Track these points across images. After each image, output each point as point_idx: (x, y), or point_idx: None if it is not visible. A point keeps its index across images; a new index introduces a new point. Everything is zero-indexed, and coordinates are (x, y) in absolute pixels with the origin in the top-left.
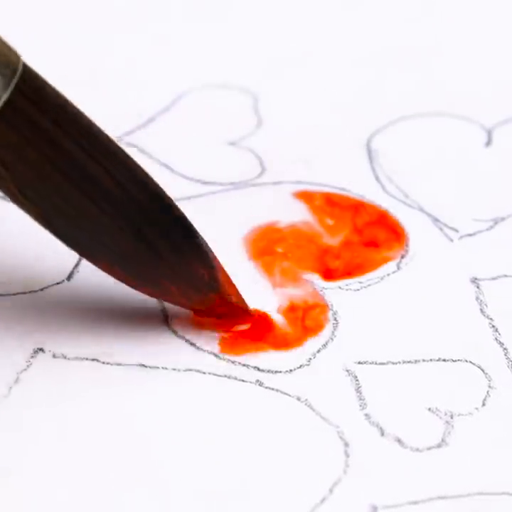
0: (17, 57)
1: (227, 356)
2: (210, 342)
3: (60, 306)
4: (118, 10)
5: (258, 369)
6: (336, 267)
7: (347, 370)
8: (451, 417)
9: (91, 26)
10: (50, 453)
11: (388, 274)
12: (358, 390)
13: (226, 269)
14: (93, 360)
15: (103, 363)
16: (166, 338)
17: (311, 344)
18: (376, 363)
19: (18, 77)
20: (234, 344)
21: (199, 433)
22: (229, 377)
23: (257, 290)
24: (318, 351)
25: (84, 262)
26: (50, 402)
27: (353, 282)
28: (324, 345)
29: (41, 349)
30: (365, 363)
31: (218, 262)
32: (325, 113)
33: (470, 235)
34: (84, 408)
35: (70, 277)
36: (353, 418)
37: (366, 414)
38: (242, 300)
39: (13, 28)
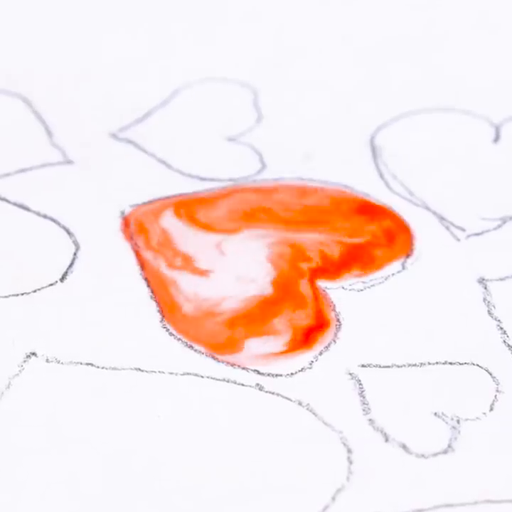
0: None
1: (226, 358)
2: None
3: (53, 309)
4: (116, 3)
5: (258, 372)
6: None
7: (350, 374)
8: (458, 422)
9: (88, 19)
10: (43, 460)
11: (393, 274)
12: (361, 394)
13: None
14: (88, 364)
15: (98, 367)
16: (163, 341)
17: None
18: (380, 366)
19: None
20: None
21: (197, 439)
22: (228, 381)
23: None
24: (321, 354)
25: (79, 263)
26: (43, 408)
27: (356, 282)
28: (326, 348)
29: (34, 353)
30: (368, 366)
31: None
32: (327, 108)
33: (477, 234)
34: (78, 414)
35: (63, 278)
36: (357, 423)
37: (370, 419)
38: None
39: (11, 22)
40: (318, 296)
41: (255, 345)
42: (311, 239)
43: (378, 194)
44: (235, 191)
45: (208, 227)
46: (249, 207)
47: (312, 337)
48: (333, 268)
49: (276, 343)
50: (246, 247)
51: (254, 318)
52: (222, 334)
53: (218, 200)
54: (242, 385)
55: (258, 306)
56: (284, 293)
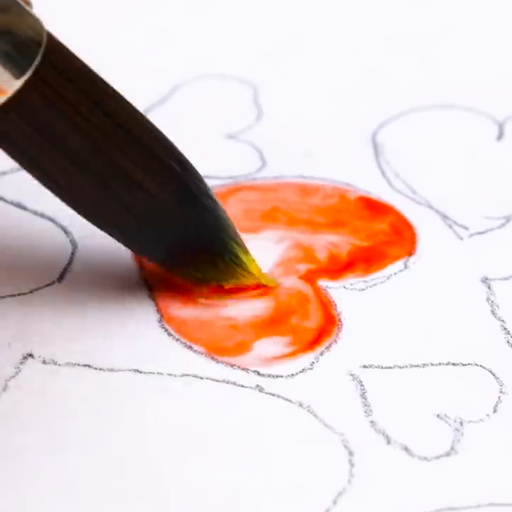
0: (41, 27)
1: (226, 359)
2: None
3: (50, 309)
4: (114, 0)
5: (258, 373)
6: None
7: (351, 375)
8: (461, 424)
9: (86, 16)
10: (40, 463)
11: (395, 273)
12: (363, 395)
13: None
14: (85, 365)
15: (96, 368)
16: (162, 342)
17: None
18: (382, 367)
19: (43, 46)
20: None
21: (196, 441)
22: (227, 383)
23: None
24: (322, 354)
25: (76, 262)
26: (40, 410)
27: (357, 281)
28: (328, 348)
29: (30, 354)
30: (370, 366)
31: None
32: (328, 105)
33: (480, 232)
34: (76, 417)
35: (61, 278)
36: (358, 425)
37: (372, 421)
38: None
39: None
40: (322, 299)
41: (259, 349)
42: (324, 240)
43: (380, 192)
44: (241, 189)
45: None
46: (261, 208)
47: (319, 340)
48: (338, 268)
49: (281, 346)
50: (259, 248)
51: (258, 322)
52: (224, 336)
53: (226, 199)
54: (242, 386)
55: (262, 311)
56: (289, 297)
